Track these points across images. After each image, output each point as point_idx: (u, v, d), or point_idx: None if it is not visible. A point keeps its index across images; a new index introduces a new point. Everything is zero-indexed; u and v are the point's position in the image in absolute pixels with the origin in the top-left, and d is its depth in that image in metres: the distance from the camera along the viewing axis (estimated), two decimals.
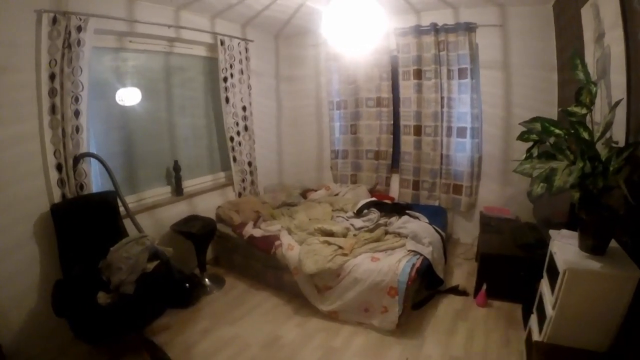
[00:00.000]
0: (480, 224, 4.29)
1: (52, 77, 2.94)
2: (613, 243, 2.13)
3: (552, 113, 3.85)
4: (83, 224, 3.04)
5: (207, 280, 3.97)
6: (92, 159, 3.25)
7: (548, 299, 2.28)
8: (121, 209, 3.39)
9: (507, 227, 3.95)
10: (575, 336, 2.09)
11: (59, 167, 3.05)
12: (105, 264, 2.88)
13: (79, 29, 3.02)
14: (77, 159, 3.11)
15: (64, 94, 2.99)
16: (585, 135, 2.06)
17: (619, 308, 1.98)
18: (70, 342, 2.85)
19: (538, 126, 2.31)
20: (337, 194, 5.22)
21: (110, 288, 2.77)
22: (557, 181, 2.00)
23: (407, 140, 4.97)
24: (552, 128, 2.25)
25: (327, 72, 5.54)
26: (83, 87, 3.09)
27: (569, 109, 2.22)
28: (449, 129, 4.68)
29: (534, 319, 2.59)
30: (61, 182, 3.07)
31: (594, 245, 2.07)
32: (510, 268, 3.39)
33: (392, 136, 5.19)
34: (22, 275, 2.87)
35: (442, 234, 3.96)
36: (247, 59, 4.89)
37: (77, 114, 3.08)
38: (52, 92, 2.95)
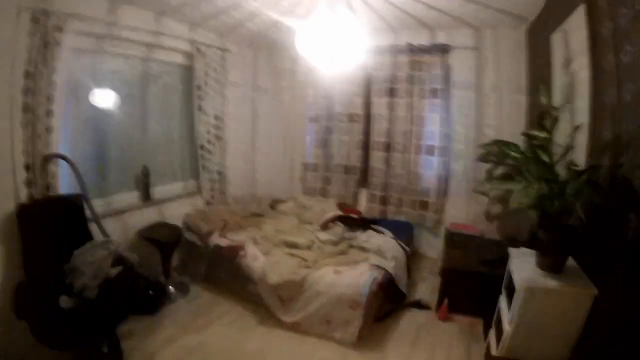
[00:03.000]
0: (444, 239, 4.37)
1: (26, 74, 2.89)
2: (570, 261, 2.19)
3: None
4: (48, 225, 2.96)
5: (171, 287, 3.90)
6: (62, 160, 3.18)
7: (505, 314, 2.34)
8: (88, 212, 3.32)
9: (472, 243, 4.03)
10: (531, 351, 2.14)
11: (27, 167, 2.97)
12: (69, 268, 2.81)
13: (58, 28, 2.99)
14: (46, 160, 3.04)
15: (38, 92, 2.94)
16: (545, 157, 2.14)
17: (575, 324, 2.02)
18: (32, 348, 2.70)
19: (495, 149, 2.38)
20: (305, 206, 5.23)
21: (74, 292, 2.71)
22: (512, 202, 2.05)
23: (377, 156, 5.04)
24: (508, 151, 2.32)
25: (303, 86, 5.57)
26: (57, 88, 3.04)
27: (530, 132, 2.31)
28: (418, 146, 4.77)
29: (492, 334, 2.65)
30: (28, 182, 2.99)
31: (551, 264, 2.13)
32: (472, 283, 3.46)
33: (362, 152, 5.24)
34: None
35: (407, 248, 4.02)
36: (223, 68, 4.91)
37: (49, 113, 3.02)
38: (25, 91, 2.89)
